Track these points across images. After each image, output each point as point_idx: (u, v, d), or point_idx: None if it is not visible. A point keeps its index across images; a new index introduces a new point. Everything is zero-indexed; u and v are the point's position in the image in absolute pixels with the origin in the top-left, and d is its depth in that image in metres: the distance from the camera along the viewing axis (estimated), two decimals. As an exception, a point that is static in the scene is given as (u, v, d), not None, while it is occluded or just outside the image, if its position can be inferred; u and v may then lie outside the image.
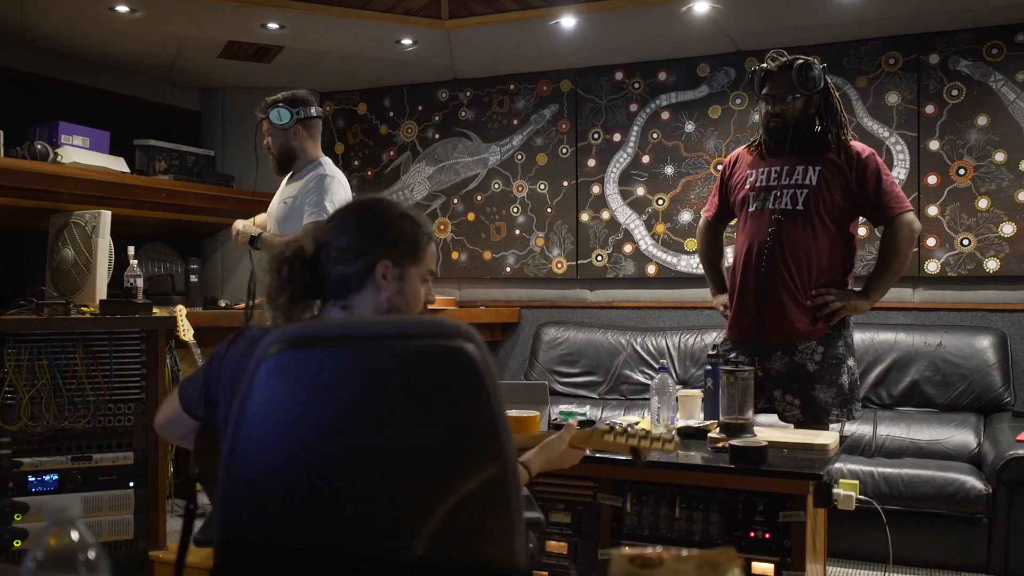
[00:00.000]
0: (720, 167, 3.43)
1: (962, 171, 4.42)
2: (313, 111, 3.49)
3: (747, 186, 3.17)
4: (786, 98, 3.04)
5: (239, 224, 3.53)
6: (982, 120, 4.39)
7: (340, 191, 3.41)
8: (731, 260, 3.32)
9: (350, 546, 1.32)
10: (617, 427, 2.11)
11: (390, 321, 1.44)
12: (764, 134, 3.16)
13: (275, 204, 3.57)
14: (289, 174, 3.53)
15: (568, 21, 4.39)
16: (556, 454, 2.10)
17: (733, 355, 2.92)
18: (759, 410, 3.03)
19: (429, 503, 1.33)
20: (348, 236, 1.75)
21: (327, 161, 3.52)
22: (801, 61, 3.02)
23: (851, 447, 3.99)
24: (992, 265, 4.37)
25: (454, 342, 1.32)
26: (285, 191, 3.53)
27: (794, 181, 3.07)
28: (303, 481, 1.34)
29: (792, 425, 3.11)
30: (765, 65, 3.09)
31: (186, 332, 3.68)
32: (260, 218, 3.66)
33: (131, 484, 3.28)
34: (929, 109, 4.48)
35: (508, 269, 5.34)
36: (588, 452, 2.21)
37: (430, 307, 1.87)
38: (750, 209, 3.15)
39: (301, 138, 3.46)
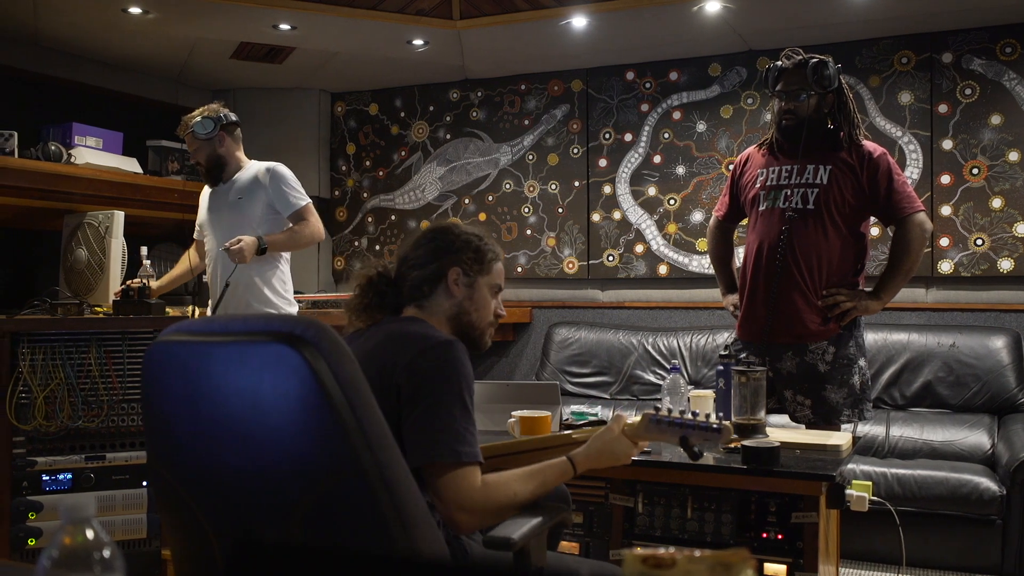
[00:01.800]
0: (731, 166, 3.43)
1: (976, 171, 4.40)
2: (232, 117, 3.69)
3: (757, 185, 3.17)
4: (800, 96, 3.03)
5: (235, 245, 3.47)
6: (996, 119, 4.36)
7: (288, 172, 3.68)
8: (741, 260, 3.31)
9: (269, 534, 1.37)
10: (662, 411, 2.06)
11: (247, 319, 1.47)
12: (776, 132, 3.15)
13: (221, 211, 3.68)
14: (220, 183, 3.70)
15: (579, 21, 4.38)
16: (605, 444, 1.99)
17: (744, 355, 2.91)
18: (769, 410, 3.01)
19: (287, 494, 1.38)
20: (424, 248, 2.00)
21: (263, 162, 3.73)
22: (816, 59, 3.01)
23: (864, 448, 3.98)
24: (1006, 265, 4.35)
25: (285, 344, 1.35)
26: (227, 195, 3.67)
27: (804, 180, 3.06)
28: (187, 467, 1.49)
29: (804, 426, 3.10)
30: (780, 63, 3.09)
31: (198, 332, 3.69)
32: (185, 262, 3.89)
33: (144, 483, 3.29)
34: (942, 108, 4.46)
35: (519, 269, 5.34)
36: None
37: (501, 320, 2.07)
38: (760, 208, 3.14)
39: (227, 144, 3.66)
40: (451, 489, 1.69)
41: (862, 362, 3.12)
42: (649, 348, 4.83)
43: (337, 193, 5.81)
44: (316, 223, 3.66)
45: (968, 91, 4.41)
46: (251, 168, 3.69)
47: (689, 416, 2.03)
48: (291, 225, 3.64)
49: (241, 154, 3.73)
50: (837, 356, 3.07)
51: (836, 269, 3.06)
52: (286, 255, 3.75)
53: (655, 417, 2.04)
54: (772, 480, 2.37)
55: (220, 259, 3.60)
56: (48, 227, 4.18)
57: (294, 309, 3.81)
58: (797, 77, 3.04)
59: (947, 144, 4.45)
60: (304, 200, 3.64)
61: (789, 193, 3.07)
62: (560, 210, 5.26)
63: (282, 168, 3.68)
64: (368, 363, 1.57)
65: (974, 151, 4.41)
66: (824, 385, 3.06)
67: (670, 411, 2.05)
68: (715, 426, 2.00)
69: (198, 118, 3.62)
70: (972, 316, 4.45)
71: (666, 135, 5.02)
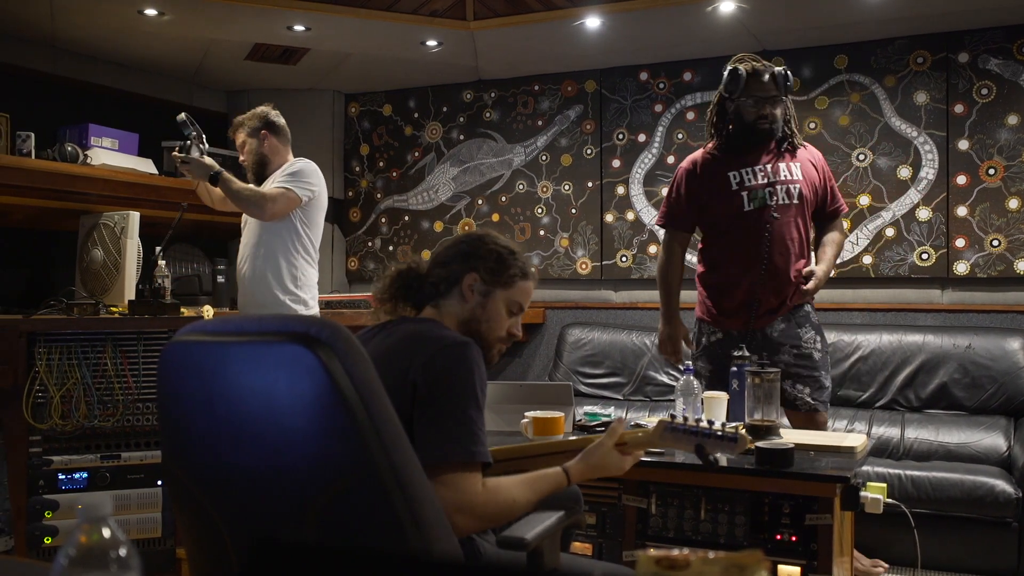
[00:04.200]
0: (674, 178, 3.52)
1: (992, 171, 4.37)
2: (277, 119, 3.83)
3: (734, 187, 3.31)
4: (776, 101, 3.29)
5: (193, 154, 3.67)
6: (1013, 119, 4.34)
7: (313, 176, 3.72)
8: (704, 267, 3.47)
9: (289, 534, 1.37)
10: (678, 418, 2.04)
11: (262, 320, 1.47)
12: (745, 134, 3.32)
13: None
14: (262, 181, 3.82)
15: (593, 21, 4.38)
16: (598, 459, 1.98)
17: (740, 352, 3.04)
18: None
19: (302, 494, 1.38)
20: (453, 249, 2.02)
21: (303, 159, 3.82)
22: (781, 69, 3.31)
23: (879, 449, 3.96)
24: (1023, 266, 4.32)
25: (300, 344, 1.35)
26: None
27: (784, 177, 3.32)
28: (201, 467, 1.50)
29: (802, 412, 3.35)
30: (743, 68, 3.28)
31: (213, 332, 3.70)
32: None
33: (159, 482, 3.31)
34: (958, 108, 4.43)
35: (532, 270, 5.33)
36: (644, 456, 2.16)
37: (515, 340, 2.06)
38: (745, 208, 3.29)
39: (270, 144, 3.80)
40: (453, 489, 1.68)
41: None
42: (662, 349, 4.82)
43: (351, 194, 5.82)
44: (274, 202, 3.58)
45: (984, 91, 4.38)
46: (287, 166, 3.78)
47: (705, 424, 2.02)
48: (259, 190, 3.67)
49: (286, 155, 3.85)
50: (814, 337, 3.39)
51: (802, 254, 3.37)
52: (303, 254, 3.74)
53: (671, 425, 2.03)
54: (786, 481, 2.37)
55: (246, 255, 3.76)
56: (64, 228, 4.21)
57: (305, 310, 3.77)
58: (770, 84, 3.27)
59: (963, 144, 4.42)
60: (289, 185, 3.63)
61: (773, 190, 3.29)
62: (573, 211, 5.26)
63: (302, 163, 3.76)
64: (384, 363, 1.58)
65: (990, 151, 4.38)
66: (819, 368, 3.37)
67: (686, 419, 2.04)
68: (731, 435, 1.98)
69: (245, 119, 3.80)
70: (988, 317, 4.43)
71: (680, 135, 5.01)
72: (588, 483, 2.43)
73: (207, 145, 3.76)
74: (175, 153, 3.69)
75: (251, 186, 3.70)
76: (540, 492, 1.86)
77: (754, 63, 3.31)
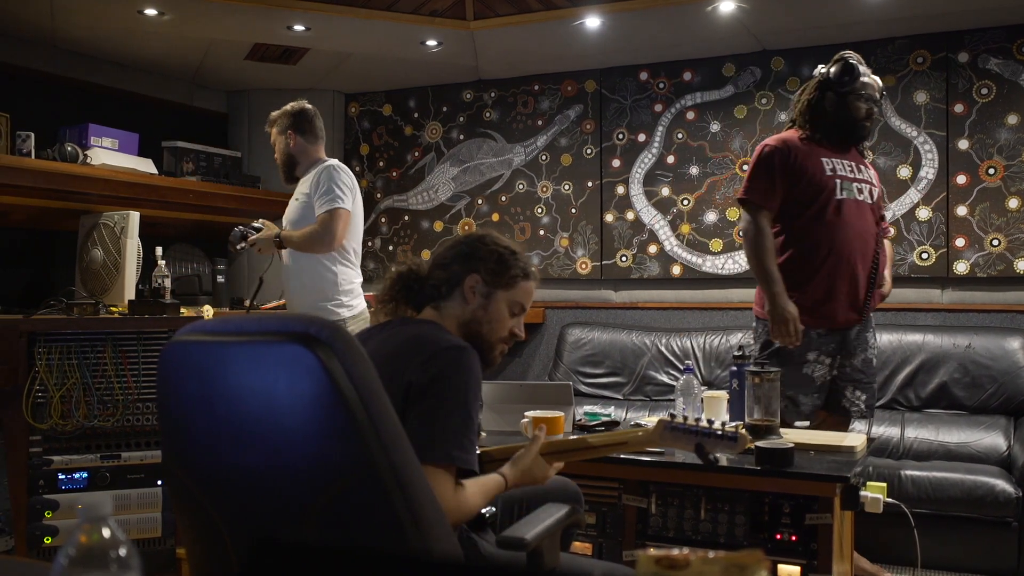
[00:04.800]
0: (767, 155, 3.24)
1: (992, 170, 4.37)
2: (305, 116, 3.75)
3: (828, 173, 3.20)
4: (878, 105, 3.29)
5: (253, 237, 3.72)
6: (1012, 119, 4.34)
7: (345, 177, 3.64)
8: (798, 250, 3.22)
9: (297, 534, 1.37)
10: (678, 417, 2.05)
11: (262, 320, 1.47)
12: (847, 128, 3.25)
13: (289, 208, 3.78)
14: (292, 180, 3.80)
15: (592, 21, 4.38)
16: (525, 465, 1.97)
17: (813, 355, 3.11)
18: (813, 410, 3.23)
19: (302, 494, 1.38)
20: (453, 250, 2.01)
21: (332, 160, 3.74)
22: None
23: (879, 449, 3.96)
24: (1023, 266, 4.32)
25: (300, 344, 1.35)
26: (297, 191, 3.76)
27: (866, 177, 3.29)
28: (201, 467, 1.50)
29: (856, 421, 3.34)
30: (857, 63, 3.21)
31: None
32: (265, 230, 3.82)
33: (159, 482, 3.31)
34: (958, 108, 4.43)
35: (533, 270, 5.33)
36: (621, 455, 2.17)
37: (517, 340, 2.03)
38: (840, 196, 3.18)
39: (298, 143, 3.73)
40: None
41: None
42: (662, 349, 4.83)
43: (351, 193, 5.82)
44: (332, 230, 3.54)
45: (984, 91, 4.38)
46: (319, 167, 3.67)
47: (705, 423, 2.02)
48: (314, 225, 3.59)
49: (318, 153, 3.76)
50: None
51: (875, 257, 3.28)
52: (341, 261, 3.67)
53: (670, 424, 2.03)
54: (786, 481, 2.37)
55: (290, 271, 3.74)
56: (64, 227, 4.21)
57: (348, 312, 3.68)
58: (875, 89, 3.25)
59: (963, 144, 4.42)
60: (337, 204, 3.55)
61: (860, 187, 3.23)
62: (573, 210, 5.26)
63: (338, 167, 3.65)
64: (383, 364, 1.58)
65: (990, 151, 4.38)
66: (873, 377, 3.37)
67: (685, 418, 2.03)
68: (731, 435, 1.98)
69: (277, 116, 3.77)
70: (988, 317, 4.43)
71: (680, 135, 5.01)
72: (588, 483, 2.43)
73: (257, 223, 3.78)
74: (240, 247, 3.73)
75: (307, 230, 3.59)
76: (488, 497, 1.88)
77: (859, 63, 3.22)
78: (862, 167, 3.29)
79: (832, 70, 3.23)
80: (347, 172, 3.67)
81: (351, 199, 3.62)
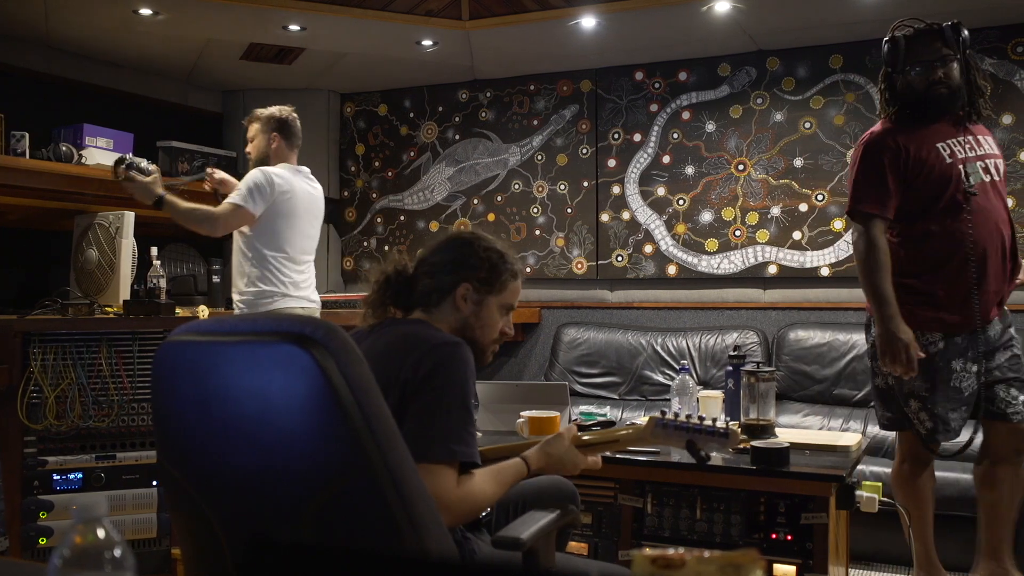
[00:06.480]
0: (867, 155, 2.90)
1: (986, 170, 4.37)
2: (294, 123, 3.79)
3: (948, 161, 2.80)
4: (948, 60, 2.81)
5: (134, 175, 3.58)
6: (1007, 119, 4.34)
7: (261, 178, 3.60)
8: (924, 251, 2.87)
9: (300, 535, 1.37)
10: (668, 414, 2.05)
11: (256, 320, 1.47)
12: (923, 105, 2.84)
13: None
14: None
15: (588, 21, 4.38)
16: (558, 453, 1.99)
17: (959, 363, 2.78)
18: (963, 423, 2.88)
19: (297, 494, 1.38)
20: (441, 256, 1.99)
21: (279, 166, 3.72)
22: (951, 23, 2.84)
23: (874, 448, 3.96)
24: (1017, 265, 4.32)
25: (294, 344, 1.35)
26: None
27: (987, 150, 2.86)
28: (196, 467, 1.50)
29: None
30: (901, 33, 2.88)
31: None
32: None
33: (154, 483, 3.31)
34: (953, 108, 4.43)
35: (528, 270, 5.34)
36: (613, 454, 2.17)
37: (507, 339, 2.03)
38: (969, 185, 2.78)
39: (278, 147, 3.77)
40: (431, 486, 1.68)
41: None
42: (658, 348, 4.83)
43: (346, 194, 5.82)
44: (221, 222, 3.55)
45: (979, 91, 4.38)
46: (249, 177, 3.68)
47: (696, 420, 2.02)
48: (214, 208, 3.61)
49: (288, 159, 3.77)
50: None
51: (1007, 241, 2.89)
52: (279, 253, 3.66)
53: (661, 421, 2.03)
54: (782, 481, 2.37)
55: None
56: (59, 228, 4.20)
57: (272, 304, 3.66)
58: (939, 42, 2.83)
59: (958, 144, 4.42)
60: (237, 200, 3.55)
61: (987, 165, 2.83)
62: (569, 210, 5.26)
63: (257, 171, 3.64)
64: (377, 363, 1.58)
65: (985, 151, 4.38)
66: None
67: (676, 415, 2.04)
68: (722, 430, 1.99)
69: (262, 114, 3.78)
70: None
71: (675, 135, 5.01)
72: (584, 482, 2.43)
73: (156, 167, 3.64)
74: (120, 168, 3.57)
75: (200, 206, 3.58)
76: (505, 484, 1.88)
77: (915, 25, 2.86)
78: (980, 138, 2.86)
79: (883, 53, 2.91)
80: (280, 178, 3.63)
81: (262, 205, 3.58)
